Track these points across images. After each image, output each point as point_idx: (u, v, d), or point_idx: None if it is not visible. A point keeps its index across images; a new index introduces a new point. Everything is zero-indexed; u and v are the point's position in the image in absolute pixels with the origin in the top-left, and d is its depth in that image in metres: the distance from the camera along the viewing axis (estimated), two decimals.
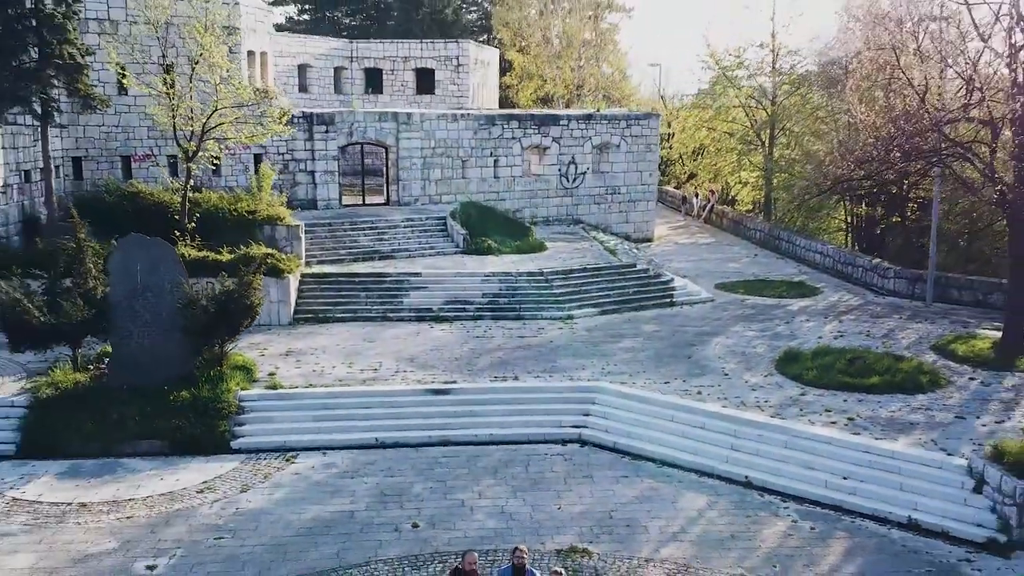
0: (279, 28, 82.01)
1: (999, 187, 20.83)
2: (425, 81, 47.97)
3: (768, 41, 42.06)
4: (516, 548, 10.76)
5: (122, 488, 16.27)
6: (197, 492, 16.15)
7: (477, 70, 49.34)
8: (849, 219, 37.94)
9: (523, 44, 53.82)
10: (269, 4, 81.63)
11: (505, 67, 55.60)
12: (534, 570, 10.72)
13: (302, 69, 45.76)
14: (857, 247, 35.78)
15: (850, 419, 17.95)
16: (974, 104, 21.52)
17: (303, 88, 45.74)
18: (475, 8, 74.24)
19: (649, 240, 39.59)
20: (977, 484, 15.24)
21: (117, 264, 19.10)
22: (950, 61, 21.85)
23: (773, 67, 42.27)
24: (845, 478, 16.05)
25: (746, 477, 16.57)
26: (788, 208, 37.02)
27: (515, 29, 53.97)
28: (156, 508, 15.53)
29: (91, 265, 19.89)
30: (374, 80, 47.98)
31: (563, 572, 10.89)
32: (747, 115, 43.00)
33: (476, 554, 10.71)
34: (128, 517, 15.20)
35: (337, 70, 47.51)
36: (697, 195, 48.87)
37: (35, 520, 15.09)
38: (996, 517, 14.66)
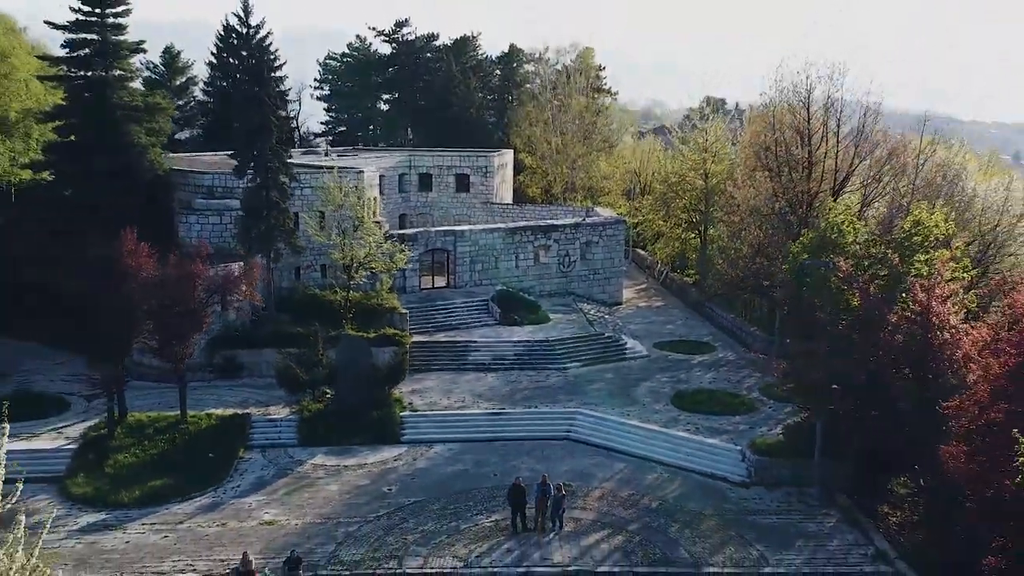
0: (324, 99, 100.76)
1: (786, 306, 39.99)
2: (462, 182, 67.13)
3: (701, 164, 61.20)
4: (543, 475, 29.87)
5: (358, 459, 35.30)
6: (393, 460, 35.22)
7: (499, 172, 68.54)
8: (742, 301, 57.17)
9: (532, 149, 73.36)
10: (315, 84, 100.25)
11: (518, 165, 74.86)
12: (549, 484, 29.71)
13: (380, 178, 64.72)
14: (749, 318, 54.89)
15: (698, 428, 37.11)
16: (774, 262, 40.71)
17: (380, 191, 64.68)
18: (491, 96, 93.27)
19: (619, 303, 58.70)
20: (743, 457, 34.37)
21: (340, 349, 38.20)
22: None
23: (705, 180, 61.21)
24: (688, 454, 35.18)
25: (646, 455, 35.61)
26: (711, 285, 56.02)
27: (525, 140, 73.48)
28: (378, 467, 34.60)
29: (320, 346, 39.02)
30: (426, 182, 67.16)
31: (562, 485, 29.87)
32: (688, 214, 62.03)
33: (520, 478, 29.76)
34: (368, 471, 34.26)
35: (400, 176, 66.65)
36: (659, 262, 68.15)
37: (328, 472, 34.12)
38: (747, 471, 33.76)
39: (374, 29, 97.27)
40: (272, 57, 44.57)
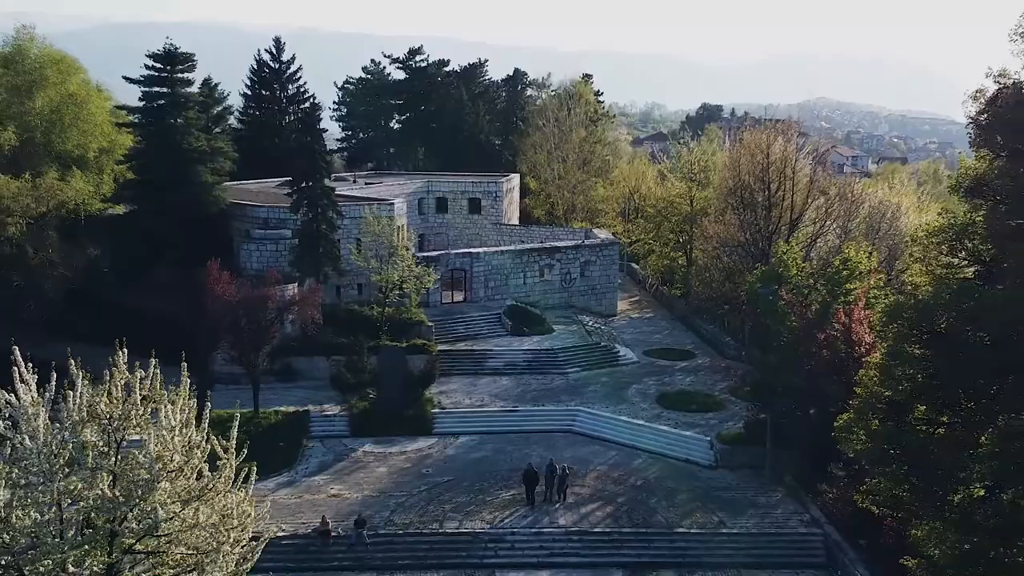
0: (341, 118, 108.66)
1: (750, 323, 48.11)
2: (474, 205, 75.30)
3: (687, 192, 69.41)
4: (550, 459, 38.07)
5: (399, 447, 43.43)
6: (427, 448, 43.38)
7: (507, 195, 76.70)
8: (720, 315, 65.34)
9: (536, 174, 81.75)
10: (333, 107, 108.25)
11: (524, 189, 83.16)
12: (555, 466, 37.88)
13: None
14: (726, 329, 63.00)
15: (677, 423, 45.28)
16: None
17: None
18: (497, 122, 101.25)
19: (614, 314, 66.81)
20: (712, 446, 42.54)
21: (380, 357, 46.37)
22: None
23: (691, 206, 69.35)
24: (668, 444, 43.34)
25: (634, 445, 43.74)
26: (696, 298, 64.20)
27: (531, 166, 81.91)
28: (416, 454, 42.76)
29: (364, 354, 47.17)
30: (442, 205, 75.35)
31: (566, 467, 38.01)
32: (675, 235, 70.23)
33: (531, 462, 37.95)
34: (408, 457, 42.42)
35: (420, 199, 74.82)
36: (650, 277, 76.35)
37: (376, 458, 42.28)
38: (714, 457, 41.92)
39: (389, 57, 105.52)
40: (318, 113, 52.76)
